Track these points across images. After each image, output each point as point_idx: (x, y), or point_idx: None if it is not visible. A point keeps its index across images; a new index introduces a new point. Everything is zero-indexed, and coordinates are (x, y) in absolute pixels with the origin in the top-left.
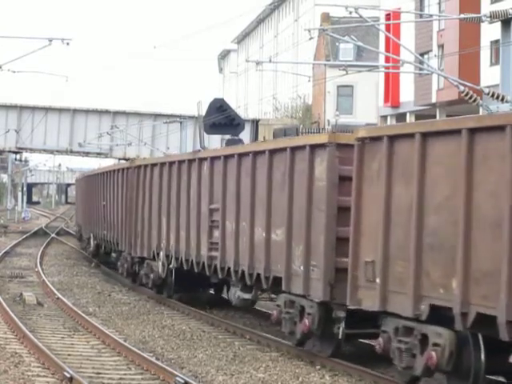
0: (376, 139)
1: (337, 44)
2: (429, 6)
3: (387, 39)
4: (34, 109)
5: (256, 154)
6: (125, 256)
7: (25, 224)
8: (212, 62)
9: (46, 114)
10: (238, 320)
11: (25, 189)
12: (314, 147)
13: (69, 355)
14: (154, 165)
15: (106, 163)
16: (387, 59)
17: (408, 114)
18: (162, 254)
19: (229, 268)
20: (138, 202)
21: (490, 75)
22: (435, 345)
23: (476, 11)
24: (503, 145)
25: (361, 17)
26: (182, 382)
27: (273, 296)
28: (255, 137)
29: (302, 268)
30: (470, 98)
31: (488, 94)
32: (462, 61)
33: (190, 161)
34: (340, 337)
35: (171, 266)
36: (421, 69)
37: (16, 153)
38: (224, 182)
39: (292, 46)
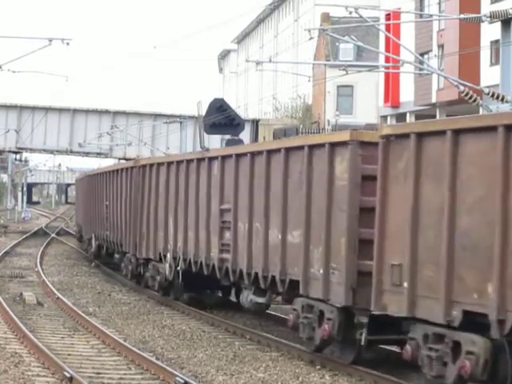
0: (402, 137)
1: (337, 44)
2: (429, 6)
3: (387, 39)
4: (34, 109)
5: (270, 152)
6: (129, 257)
7: (25, 224)
8: (212, 62)
9: (46, 114)
10: (238, 320)
11: (25, 189)
12: (334, 145)
13: (69, 355)
14: (160, 164)
15: (106, 163)
16: (387, 59)
17: (408, 114)
18: (169, 255)
19: (241, 270)
20: (144, 202)
21: (490, 75)
22: (469, 353)
23: (476, 11)
24: None
25: (361, 17)
26: (182, 382)
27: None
28: (255, 137)
29: (321, 271)
30: (470, 98)
31: (488, 93)
32: (462, 61)
33: (199, 160)
34: (362, 343)
35: (179, 267)
36: (421, 69)
37: (16, 153)
38: (236, 181)
39: (292, 45)
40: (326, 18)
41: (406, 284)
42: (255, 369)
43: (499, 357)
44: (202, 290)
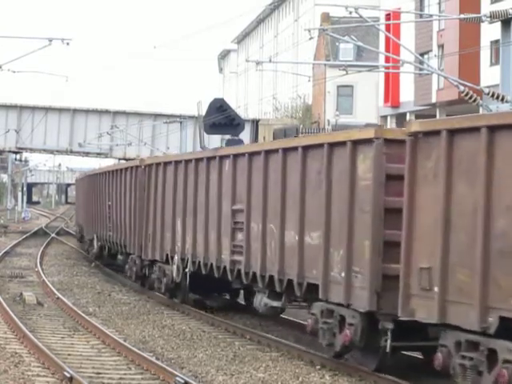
0: (432, 134)
1: (337, 44)
2: (429, 6)
3: (387, 39)
4: (34, 109)
5: (286, 151)
6: (133, 259)
7: (25, 224)
8: (212, 62)
9: (46, 114)
10: (238, 320)
11: (25, 189)
12: (356, 143)
13: (69, 355)
14: (167, 163)
15: (106, 163)
16: (387, 59)
17: (408, 114)
18: (176, 257)
19: (254, 273)
20: (150, 203)
21: (490, 75)
22: (506, 362)
23: (476, 11)
24: None
25: (361, 17)
26: (182, 382)
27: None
28: (255, 137)
29: (342, 275)
30: (470, 98)
31: (488, 93)
32: (461, 61)
33: (210, 158)
34: (388, 350)
35: (187, 270)
36: (421, 69)
37: (16, 153)
38: (249, 181)
39: (292, 46)
40: (326, 18)
41: (436, 288)
42: (255, 369)
43: None
44: (209, 292)
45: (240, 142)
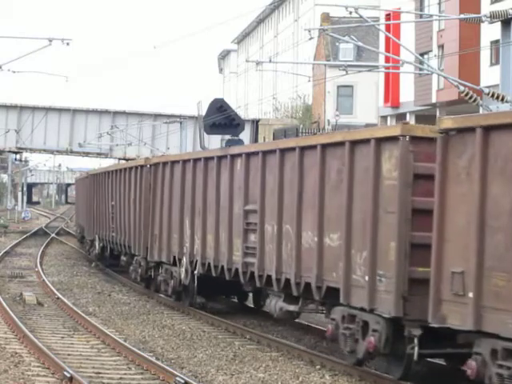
0: (465, 131)
1: (337, 44)
2: (429, 6)
3: (387, 39)
4: (34, 109)
5: (303, 149)
6: (138, 260)
7: (25, 224)
8: (212, 62)
9: (46, 114)
10: (238, 320)
11: (25, 189)
12: (380, 141)
13: (69, 355)
14: (174, 162)
15: (106, 163)
16: (387, 59)
17: (408, 114)
18: (184, 259)
19: (269, 276)
20: (155, 203)
21: (490, 75)
22: None
23: (476, 11)
24: None
25: (361, 17)
26: (182, 382)
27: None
28: (255, 137)
29: (366, 278)
30: (470, 98)
31: (488, 93)
32: (461, 61)
33: (220, 157)
34: (415, 357)
35: (196, 272)
36: (421, 69)
37: (16, 153)
38: (263, 180)
39: (292, 45)
40: (326, 18)
41: (470, 294)
42: (255, 369)
43: None
44: (217, 295)
45: (240, 142)
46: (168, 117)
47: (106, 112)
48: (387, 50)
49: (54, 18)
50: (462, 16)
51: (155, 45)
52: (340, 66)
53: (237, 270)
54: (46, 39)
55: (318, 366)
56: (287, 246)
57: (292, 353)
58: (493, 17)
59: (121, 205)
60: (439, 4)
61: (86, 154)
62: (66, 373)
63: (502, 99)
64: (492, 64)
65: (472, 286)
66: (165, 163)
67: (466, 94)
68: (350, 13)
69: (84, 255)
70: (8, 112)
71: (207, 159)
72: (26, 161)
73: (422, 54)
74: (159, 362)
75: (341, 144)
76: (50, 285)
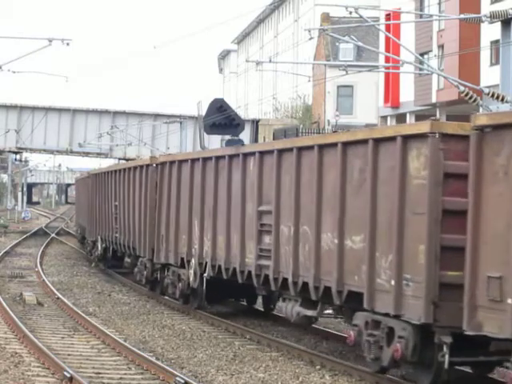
0: (503, 127)
1: (337, 44)
2: (429, 6)
3: (387, 39)
4: (34, 109)
5: (323, 147)
6: (143, 262)
7: (25, 224)
8: (212, 62)
9: (46, 114)
10: (238, 320)
11: (25, 189)
12: (407, 138)
13: (69, 355)
14: (182, 161)
15: (107, 163)
16: (387, 59)
17: (408, 115)
18: (193, 261)
19: (284, 279)
20: (162, 203)
21: (490, 75)
22: None
23: (476, 11)
24: None
25: (361, 17)
26: (182, 382)
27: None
28: (255, 137)
29: (392, 282)
30: (470, 98)
31: (488, 93)
32: (461, 61)
33: (232, 156)
34: (446, 366)
35: (205, 274)
36: (421, 69)
37: (16, 153)
38: (278, 180)
39: (292, 45)
40: (326, 18)
41: (509, 300)
42: (255, 369)
43: None
44: (226, 298)
45: (240, 142)
46: (168, 117)
47: (106, 112)
48: (387, 50)
49: (54, 18)
50: (462, 16)
51: (155, 45)
52: (340, 65)
53: (250, 272)
54: (45, 39)
55: (318, 366)
56: (305, 248)
57: (292, 353)
58: (493, 17)
59: (125, 205)
60: (439, 4)
61: (86, 154)
62: (66, 373)
63: (502, 99)
64: (492, 64)
65: (511, 291)
66: (172, 162)
67: (466, 94)
68: (350, 13)
69: (84, 255)
70: (8, 112)
71: (218, 158)
72: (26, 161)
73: (422, 54)
74: (159, 362)
75: (364, 142)
76: (49, 285)
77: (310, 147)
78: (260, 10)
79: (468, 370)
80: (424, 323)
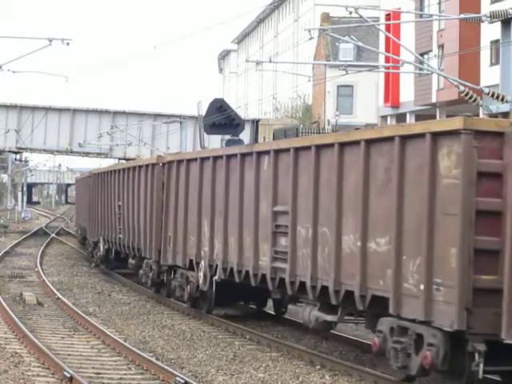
0: None
1: (337, 44)
2: (429, 6)
3: (387, 39)
4: (34, 109)
5: (343, 145)
6: (149, 264)
7: (25, 224)
8: (212, 62)
9: (46, 114)
10: (238, 320)
11: (25, 189)
12: (437, 135)
13: (69, 355)
14: (191, 160)
15: (107, 163)
16: (387, 59)
17: (408, 114)
18: (203, 263)
19: (302, 283)
20: (169, 203)
21: (490, 75)
22: None
23: (476, 11)
24: None
25: (361, 17)
26: (182, 382)
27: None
28: (255, 137)
29: (421, 287)
30: (470, 98)
31: (488, 93)
32: (461, 61)
33: (244, 155)
34: (480, 376)
35: (216, 277)
36: (421, 69)
37: (16, 153)
38: (295, 179)
39: (292, 45)
40: (326, 18)
41: None
42: (255, 369)
43: None
44: (235, 301)
45: (240, 142)
46: (168, 117)
47: (106, 112)
48: (387, 50)
49: (54, 18)
50: (462, 16)
51: (155, 45)
52: (340, 65)
53: (264, 275)
54: (46, 39)
55: (318, 366)
56: (324, 251)
57: (292, 353)
58: (493, 17)
59: (129, 205)
60: (439, 4)
61: (86, 154)
62: (66, 373)
63: (502, 99)
64: (492, 64)
65: None
66: (180, 161)
67: (466, 94)
68: (350, 13)
69: (84, 255)
70: (8, 112)
71: (229, 157)
72: (26, 161)
73: (422, 54)
74: (159, 362)
75: (389, 139)
76: (49, 285)
77: (330, 145)
78: (260, 9)
79: (496, 377)
80: (457, 330)
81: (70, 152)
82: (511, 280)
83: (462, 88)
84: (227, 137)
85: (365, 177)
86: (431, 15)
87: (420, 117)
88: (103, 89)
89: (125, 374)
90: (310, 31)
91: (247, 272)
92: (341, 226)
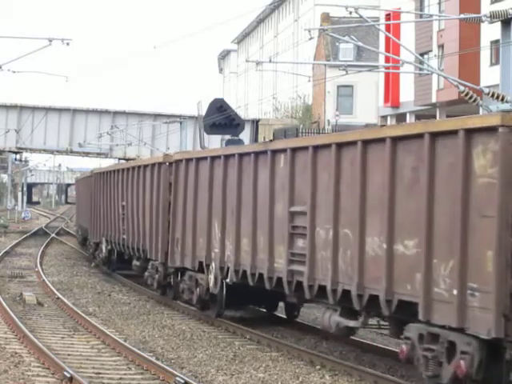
0: None
1: (337, 44)
2: (429, 6)
3: (387, 39)
4: (34, 109)
5: (367, 143)
6: (155, 266)
7: (25, 224)
8: (212, 62)
9: (46, 114)
10: (238, 320)
11: (25, 189)
12: (471, 132)
13: (69, 355)
14: (200, 159)
15: (107, 163)
16: (387, 59)
17: (408, 114)
18: (213, 265)
19: (321, 287)
20: (177, 203)
21: (490, 75)
22: None
23: (476, 11)
24: None
25: (361, 17)
26: (182, 382)
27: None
28: (255, 137)
29: (454, 292)
30: (470, 98)
31: (488, 93)
32: (461, 61)
33: (258, 153)
34: None
35: (228, 280)
36: (421, 69)
37: (16, 153)
38: (313, 179)
39: (292, 45)
40: (326, 18)
41: None
42: (255, 369)
43: None
44: (245, 304)
45: (240, 142)
46: (168, 117)
47: (106, 112)
48: (387, 50)
49: (54, 18)
50: (462, 16)
51: (155, 45)
52: (340, 65)
53: (280, 279)
54: (46, 39)
55: (318, 366)
56: (346, 253)
57: (292, 353)
58: (493, 17)
59: (134, 205)
60: (439, 4)
61: (86, 154)
62: (66, 373)
63: (502, 99)
64: (492, 64)
65: None
66: (189, 160)
67: (466, 94)
68: (350, 13)
69: (84, 255)
70: (8, 112)
71: (242, 155)
72: (26, 161)
73: (422, 54)
74: (159, 362)
75: (418, 137)
76: (49, 285)
77: (352, 143)
78: (260, 9)
79: None
80: (494, 338)
81: (70, 152)
82: None
83: (461, 88)
84: (227, 137)
85: (390, 176)
86: (431, 15)
87: (420, 117)
88: (103, 89)
89: (125, 374)
90: (309, 31)
91: (261, 275)
92: (364, 228)
